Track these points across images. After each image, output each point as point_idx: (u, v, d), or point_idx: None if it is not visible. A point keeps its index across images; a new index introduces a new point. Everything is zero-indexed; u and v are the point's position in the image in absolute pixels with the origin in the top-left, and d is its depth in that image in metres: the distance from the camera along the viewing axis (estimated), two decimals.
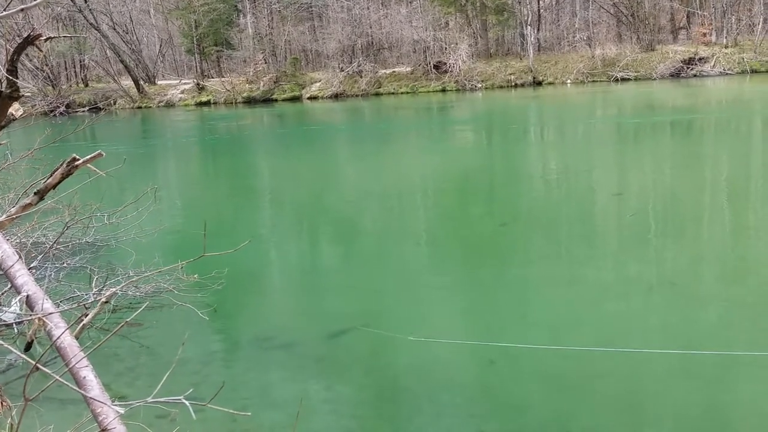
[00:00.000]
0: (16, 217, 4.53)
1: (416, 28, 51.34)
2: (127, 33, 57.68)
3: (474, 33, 53.04)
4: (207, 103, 52.09)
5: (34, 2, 3.38)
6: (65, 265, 9.31)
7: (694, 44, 48.10)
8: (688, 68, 45.73)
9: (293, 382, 6.96)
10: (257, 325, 8.52)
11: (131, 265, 9.32)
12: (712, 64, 45.46)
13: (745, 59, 45.05)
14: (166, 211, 14.50)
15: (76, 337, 7.67)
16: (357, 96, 49.30)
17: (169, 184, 20.58)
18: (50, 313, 3.24)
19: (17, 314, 8.08)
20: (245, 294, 9.85)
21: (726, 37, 47.32)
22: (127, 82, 55.42)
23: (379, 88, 50.48)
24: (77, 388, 3.06)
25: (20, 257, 4.35)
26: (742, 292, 8.60)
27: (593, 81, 46.80)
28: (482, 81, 48.63)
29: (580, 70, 47.70)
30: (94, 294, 8.48)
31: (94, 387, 3.11)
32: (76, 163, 4.50)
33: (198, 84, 53.71)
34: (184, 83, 55.72)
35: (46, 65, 54.99)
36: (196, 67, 57.82)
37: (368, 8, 53.05)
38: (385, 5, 54.19)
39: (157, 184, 18.86)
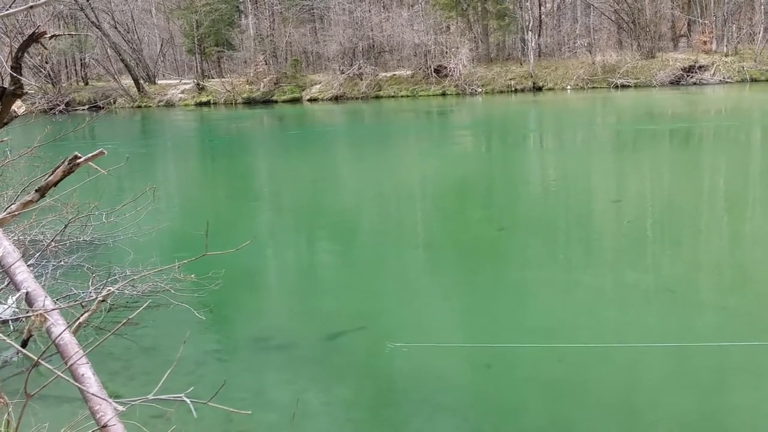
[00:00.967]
0: (17, 214, 4.53)
1: (417, 31, 51.40)
2: (128, 32, 57.73)
3: (475, 37, 53.11)
4: (207, 104, 52.12)
5: (41, 0, 3.38)
6: (63, 263, 9.31)
7: (694, 52, 48.18)
8: (688, 76, 45.79)
9: (290, 384, 6.96)
10: (254, 326, 8.52)
11: (129, 264, 9.32)
12: (712, 72, 45.53)
13: (745, 68, 45.12)
14: (164, 210, 14.50)
15: (73, 335, 7.69)
16: (357, 99, 49.36)
17: (168, 184, 20.58)
18: (52, 309, 3.25)
19: (14, 311, 8.09)
20: (243, 294, 9.85)
21: (726, 46, 47.40)
22: (127, 81, 55.44)
23: (380, 91, 50.52)
24: (78, 384, 3.07)
25: (20, 254, 4.35)
26: (738, 299, 8.62)
27: (593, 87, 46.87)
28: (482, 86, 48.69)
29: (580, 76, 47.76)
30: (91, 292, 8.48)
31: (92, 384, 3.12)
32: (78, 161, 4.49)
33: (198, 84, 53.74)
34: (185, 83, 55.75)
35: (47, 63, 54.93)
36: (196, 67, 57.87)
37: (370, 11, 53.13)
38: (386, 8, 54.28)
39: (155, 184, 18.85)
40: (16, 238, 9.89)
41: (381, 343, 7.69)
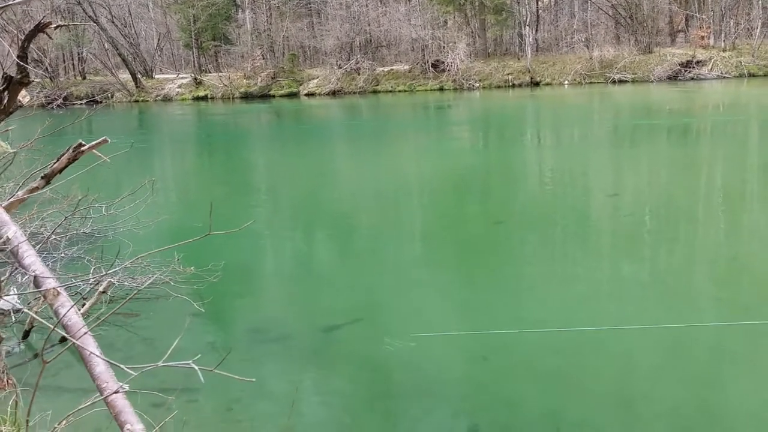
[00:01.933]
0: (25, 198, 4.57)
1: (415, 26, 51.38)
2: (125, 26, 57.62)
3: (472, 32, 53.10)
4: (204, 98, 52.11)
5: None
6: (63, 255, 9.36)
7: (692, 47, 48.23)
8: (685, 71, 45.83)
9: (287, 375, 7.02)
10: (253, 318, 8.58)
11: (128, 256, 9.35)
12: (709, 67, 45.58)
13: (743, 63, 45.18)
14: (163, 203, 14.56)
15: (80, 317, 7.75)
16: (354, 93, 49.35)
17: (167, 178, 20.62)
18: (63, 285, 3.31)
19: (16, 302, 8.15)
20: (241, 287, 9.91)
21: (724, 41, 47.44)
22: (124, 76, 55.38)
23: (377, 85, 50.53)
24: (95, 352, 3.13)
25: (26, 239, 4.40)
26: (734, 292, 8.70)
27: (591, 82, 46.90)
28: (480, 80, 48.71)
29: (577, 71, 47.80)
30: (91, 284, 8.54)
31: (99, 363, 3.19)
32: (82, 148, 4.55)
33: (195, 78, 53.70)
34: (182, 78, 55.70)
35: (45, 57, 54.86)
36: (193, 61, 57.80)
37: (367, 6, 53.07)
38: (383, 3, 54.23)
39: (154, 178, 18.92)
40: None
41: (378, 335, 7.76)
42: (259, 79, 52.07)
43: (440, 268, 10.47)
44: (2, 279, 8.41)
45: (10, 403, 5.18)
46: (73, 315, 2.96)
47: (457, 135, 27.87)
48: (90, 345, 3.14)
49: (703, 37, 48.41)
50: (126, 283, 8.80)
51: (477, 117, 34.69)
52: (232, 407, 6.28)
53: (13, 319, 8.21)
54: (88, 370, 3.33)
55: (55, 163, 4.62)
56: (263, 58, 53.17)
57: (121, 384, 3.37)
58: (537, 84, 48.05)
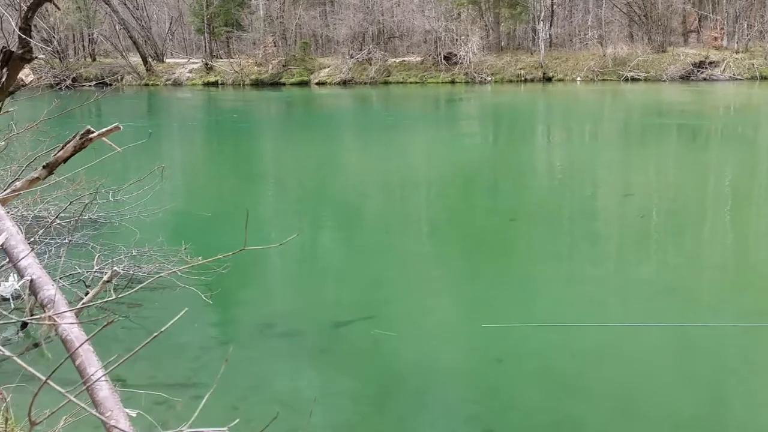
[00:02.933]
0: (22, 192, 4.23)
1: (428, 17, 50.98)
2: (137, 9, 57.34)
3: (486, 26, 52.67)
4: (215, 84, 51.83)
5: None
6: (66, 241, 9.14)
7: (705, 48, 47.74)
8: (698, 71, 45.37)
9: (294, 373, 6.82)
10: (259, 312, 8.37)
11: (134, 244, 9.16)
12: (722, 68, 45.12)
13: (756, 65, 44.70)
14: (170, 191, 14.32)
15: (75, 316, 7.53)
16: (365, 84, 48.99)
17: (175, 163, 20.40)
18: (62, 312, 2.99)
19: (15, 289, 7.94)
20: (248, 279, 9.69)
21: (737, 43, 46.93)
22: (135, 59, 55.12)
23: (388, 76, 50.18)
24: (98, 373, 2.87)
25: (24, 238, 4.09)
26: (748, 297, 8.45)
27: (603, 80, 46.47)
28: (492, 74, 48.34)
29: (590, 68, 47.38)
30: (95, 272, 8.33)
31: (103, 387, 2.89)
32: (90, 135, 4.18)
33: (206, 64, 53.43)
34: (193, 62, 55.41)
35: (54, 36, 54.68)
36: (205, 46, 57.46)
37: None
38: None
39: (163, 163, 18.69)
40: (19, 213, 9.74)
41: (386, 335, 7.53)
42: (270, 67, 51.76)
43: (451, 264, 10.26)
44: (2, 264, 8.21)
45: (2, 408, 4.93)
46: (74, 329, 2.68)
47: (468, 129, 27.58)
48: (93, 364, 2.87)
49: (716, 38, 47.91)
50: (131, 272, 8.58)
51: (488, 111, 34.37)
52: (237, 406, 6.06)
53: (12, 306, 8.00)
54: (89, 392, 3.02)
55: (59, 151, 4.25)
56: (275, 46, 52.83)
57: (127, 411, 3.07)
58: (549, 79, 47.67)
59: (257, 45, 53.54)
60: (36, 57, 4.65)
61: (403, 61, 51.56)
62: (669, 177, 16.57)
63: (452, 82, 48.32)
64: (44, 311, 2.32)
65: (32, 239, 8.76)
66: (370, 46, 50.88)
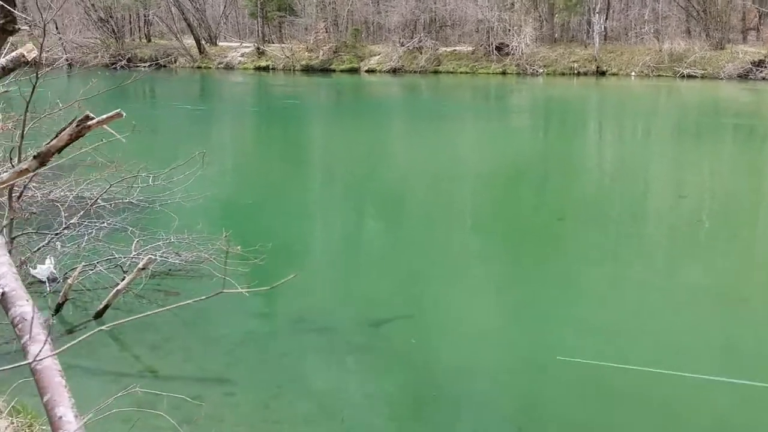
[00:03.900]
0: (9, 183, 3.85)
1: (481, 7, 50.20)
2: None
3: (540, 16, 51.73)
4: (266, 68, 51.89)
5: None
6: (105, 224, 9.05)
7: (765, 46, 46.15)
8: (757, 70, 43.82)
9: (329, 371, 6.60)
10: (297, 306, 8.14)
11: (173, 230, 9.02)
12: None
13: None
14: (215, 176, 14.20)
15: (109, 304, 7.42)
16: (415, 72, 48.50)
17: (222, 149, 20.36)
18: (34, 334, 2.53)
19: (51, 271, 7.87)
20: (287, 270, 9.45)
21: None
22: (188, 41, 55.47)
23: (438, 66, 49.63)
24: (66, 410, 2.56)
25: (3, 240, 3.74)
26: None
27: (659, 75, 45.25)
28: (544, 66, 47.48)
29: (646, 63, 46.19)
30: (133, 257, 8.22)
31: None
32: (89, 123, 3.84)
33: (258, 48, 53.50)
34: (245, 46, 55.55)
35: (111, 17, 55.42)
36: (258, 31, 57.54)
37: None
38: None
39: (209, 147, 18.67)
40: (61, 193, 9.68)
41: (428, 334, 7.28)
42: (321, 53, 51.61)
43: (496, 264, 9.92)
44: (40, 246, 8.17)
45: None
46: (46, 359, 2.19)
47: (518, 122, 27.03)
48: (64, 402, 2.44)
49: None
50: (170, 259, 8.45)
51: (539, 104, 33.72)
52: (269, 405, 5.86)
53: (48, 289, 7.93)
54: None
55: (52, 139, 3.90)
56: (326, 32, 52.67)
57: None
58: (603, 73, 46.59)
59: (309, 30, 53.45)
60: (19, 28, 4.32)
61: (454, 50, 50.93)
62: (724, 178, 15.93)
63: (503, 73, 47.56)
64: (15, 331, 1.96)
65: (72, 220, 8.70)
66: (422, 35, 50.36)
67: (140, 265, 7.34)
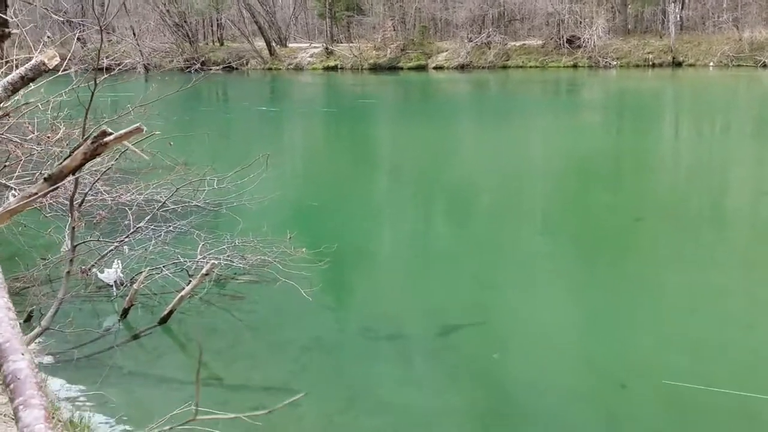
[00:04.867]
0: (17, 210, 3.52)
1: None
2: None
3: (612, 7, 50.41)
4: (334, 68, 52.07)
5: None
6: (172, 228, 9.03)
7: None
8: None
9: (397, 382, 6.36)
10: (363, 312, 7.96)
11: (239, 233, 8.94)
12: None
13: None
14: (283, 177, 14.14)
15: (174, 310, 7.37)
16: (483, 68, 47.85)
17: (293, 150, 20.39)
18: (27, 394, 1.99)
19: (119, 275, 7.88)
20: (352, 274, 9.32)
21: None
22: (259, 44, 56.14)
23: (507, 60, 48.87)
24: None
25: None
26: None
27: (738, 65, 43.47)
28: (617, 59, 46.22)
29: (724, 52, 44.46)
30: (198, 261, 8.17)
31: None
32: (106, 139, 3.53)
33: (327, 48, 53.75)
34: (314, 47, 55.90)
35: (185, 22, 56.60)
36: (326, 31, 57.84)
37: None
38: None
39: (279, 149, 18.71)
40: (131, 197, 9.71)
41: (500, 344, 6.97)
42: (389, 51, 51.49)
43: (569, 267, 9.49)
44: (109, 250, 8.19)
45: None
46: (23, 369, 1.71)
47: (591, 117, 26.26)
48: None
49: None
50: (234, 262, 8.37)
51: (613, 98, 32.75)
52: (334, 418, 5.65)
53: (115, 292, 7.94)
54: None
55: (65, 159, 3.56)
56: (394, 30, 52.53)
57: None
58: (679, 65, 45.06)
59: (377, 29, 53.41)
60: (11, 33, 4.14)
61: (523, 44, 50.08)
62: None
63: (574, 66, 46.49)
64: (7, 392, 1.68)
65: (140, 224, 8.71)
66: (490, 30, 49.70)
67: (203, 271, 7.27)
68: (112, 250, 8.18)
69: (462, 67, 48.48)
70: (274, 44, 55.81)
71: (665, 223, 11.17)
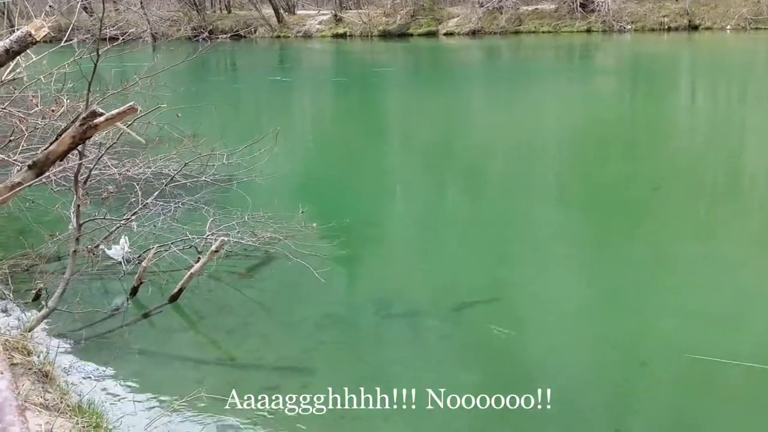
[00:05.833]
0: (2, 202, 3.31)
1: None
2: None
3: None
4: (343, 36, 51.45)
5: None
6: (180, 204, 8.86)
7: None
8: None
9: (412, 364, 6.21)
10: (376, 289, 7.79)
11: (249, 208, 8.76)
12: None
13: None
14: (294, 151, 13.92)
15: (183, 288, 7.22)
16: (495, 33, 47.09)
17: (304, 121, 20.15)
18: None
19: (126, 251, 7.75)
20: (365, 250, 9.15)
21: None
22: (267, 11, 55.53)
23: (519, 26, 48.10)
24: None
25: None
26: None
27: (757, 28, 42.57)
28: (632, 23, 45.42)
29: (742, 15, 43.54)
30: (207, 237, 8.01)
31: None
32: (97, 120, 3.22)
33: (336, 15, 53.12)
34: (323, 14, 55.27)
35: None
36: None
37: None
38: None
39: (290, 121, 18.48)
40: (140, 170, 9.53)
41: (515, 321, 6.78)
42: (399, 17, 50.80)
43: (585, 240, 9.28)
44: (117, 226, 8.04)
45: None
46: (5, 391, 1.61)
47: (605, 83, 25.80)
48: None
49: None
50: (244, 239, 8.21)
51: (627, 63, 32.20)
52: (346, 400, 5.50)
53: (124, 270, 7.80)
54: None
55: (51, 143, 3.27)
56: None
57: None
58: (695, 28, 44.20)
59: None
60: None
61: (536, 9, 49.26)
62: None
63: (588, 31, 45.68)
64: None
65: (149, 200, 8.55)
66: None
67: (213, 248, 7.11)
68: (119, 227, 8.03)
69: (473, 33, 47.77)
70: (282, 11, 55.17)
71: (683, 193, 10.90)
